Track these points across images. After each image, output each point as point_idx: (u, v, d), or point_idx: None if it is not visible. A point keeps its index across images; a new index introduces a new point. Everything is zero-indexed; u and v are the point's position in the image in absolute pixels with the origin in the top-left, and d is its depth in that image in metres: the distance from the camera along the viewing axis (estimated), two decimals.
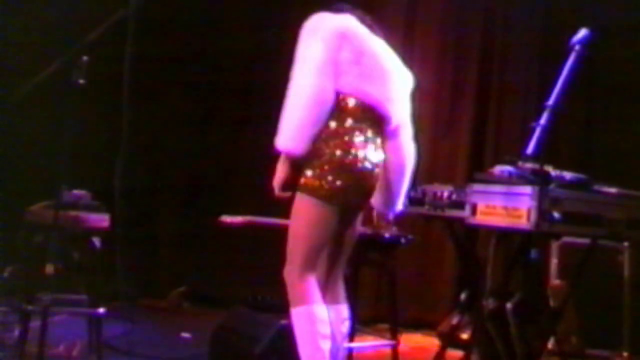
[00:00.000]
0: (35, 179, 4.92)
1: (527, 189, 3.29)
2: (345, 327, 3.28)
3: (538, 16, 5.89)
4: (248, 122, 6.45)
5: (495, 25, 6.10)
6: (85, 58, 3.29)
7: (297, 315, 3.08)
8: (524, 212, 3.28)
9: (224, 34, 6.46)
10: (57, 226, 3.41)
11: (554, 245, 5.07)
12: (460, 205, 3.65)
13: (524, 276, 3.80)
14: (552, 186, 3.38)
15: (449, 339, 4.33)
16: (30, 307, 3.74)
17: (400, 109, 3.26)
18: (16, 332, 4.01)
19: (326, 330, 3.08)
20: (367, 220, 3.53)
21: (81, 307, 4.03)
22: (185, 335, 5.00)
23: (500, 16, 6.07)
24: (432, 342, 5.12)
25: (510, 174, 3.49)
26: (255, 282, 5.71)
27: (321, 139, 3.06)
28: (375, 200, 3.23)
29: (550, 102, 3.27)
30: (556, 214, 3.29)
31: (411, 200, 3.49)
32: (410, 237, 4.15)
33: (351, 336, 3.49)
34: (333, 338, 3.14)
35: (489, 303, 3.72)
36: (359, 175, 3.10)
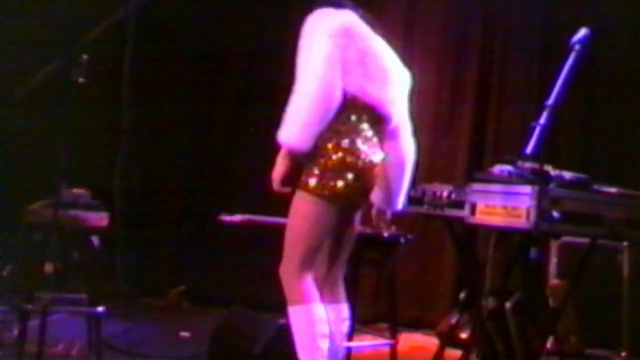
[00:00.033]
0: (34, 177, 4.91)
1: (527, 189, 3.29)
2: (346, 326, 3.27)
3: (538, 16, 5.89)
4: (248, 122, 6.44)
5: (495, 25, 6.10)
6: (85, 57, 3.29)
7: (295, 314, 3.07)
8: (523, 211, 3.27)
9: (224, 33, 6.45)
10: (57, 225, 3.41)
11: (554, 245, 5.07)
12: (459, 204, 3.64)
13: (523, 276, 3.80)
14: (551, 186, 3.38)
15: (448, 339, 4.33)
16: (29, 306, 3.73)
17: (400, 109, 3.26)
18: (15, 331, 4.01)
19: (325, 329, 3.07)
20: (366, 220, 3.53)
21: (80, 306, 4.03)
22: (185, 334, 5.00)
23: (500, 16, 6.07)
24: (431, 342, 5.12)
25: (509, 173, 3.48)
26: (255, 281, 5.71)
27: (324, 137, 3.04)
28: (376, 197, 3.22)
29: (550, 101, 3.27)
30: (556, 214, 3.28)
31: (411, 200, 3.48)
32: (409, 236, 4.15)
33: (350, 335, 3.48)
34: (333, 337, 3.13)
35: (489, 302, 3.72)
36: (361, 175, 3.09)
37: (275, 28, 6.12)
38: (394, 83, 3.23)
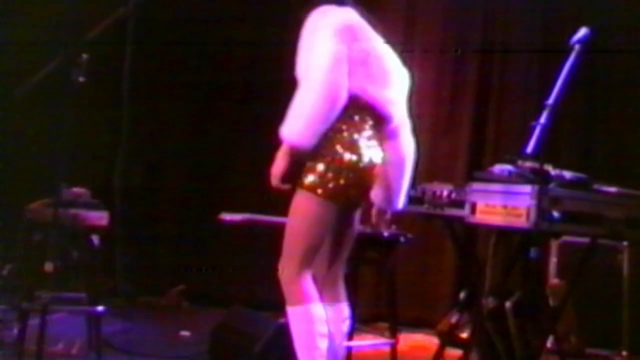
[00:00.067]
0: (34, 176, 4.92)
1: (527, 188, 3.29)
2: (346, 326, 3.27)
3: (538, 16, 5.89)
4: (247, 121, 6.44)
5: (495, 25, 6.10)
6: (85, 56, 3.29)
7: (295, 314, 3.06)
8: (523, 211, 3.27)
9: (224, 33, 6.45)
10: (56, 224, 3.41)
11: (554, 245, 5.08)
12: (459, 204, 3.64)
13: (523, 275, 3.79)
14: (551, 185, 3.38)
15: (448, 338, 4.33)
16: (29, 305, 3.74)
17: (400, 109, 3.27)
18: (15, 330, 4.01)
19: (323, 329, 3.07)
20: (366, 219, 3.53)
21: (80, 305, 4.03)
22: (184, 333, 5.00)
23: (501, 16, 6.07)
24: (431, 341, 5.12)
25: (510, 172, 3.49)
26: (255, 281, 5.71)
27: (326, 136, 3.02)
28: (376, 196, 3.22)
29: (550, 101, 3.27)
30: (556, 213, 3.28)
31: (411, 199, 3.48)
32: (409, 236, 4.15)
33: (350, 335, 3.48)
34: (333, 337, 3.13)
35: (488, 302, 3.71)
36: (361, 174, 3.09)
37: (275, 28, 6.11)
38: (395, 83, 3.23)
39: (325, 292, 3.19)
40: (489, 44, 6.07)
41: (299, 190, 3.06)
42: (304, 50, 3.07)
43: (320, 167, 3.04)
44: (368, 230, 3.90)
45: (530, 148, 3.18)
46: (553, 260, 5.10)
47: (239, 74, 6.58)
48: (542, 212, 3.23)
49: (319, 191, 3.03)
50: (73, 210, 3.88)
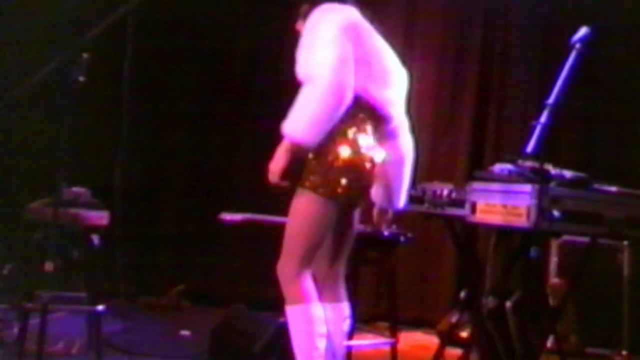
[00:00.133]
0: (34, 176, 4.93)
1: (527, 187, 3.29)
2: (346, 325, 3.27)
3: (538, 16, 5.89)
4: (247, 121, 6.44)
5: (495, 25, 6.10)
6: (85, 55, 3.29)
7: (294, 314, 3.06)
8: (523, 210, 3.27)
9: (224, 32, 6.46)
10: (57, 224, 3.41)
11: (554, 244, 5.08)
12: (460, 203, 3.64)
13: (523, 275, 3.79)
14: (552, 184, 3.38)
15: (448, 338, 4.33)
16: (29, 305, 3.74)
17: (399, 109, 3.27)
18: (15, 330, 4.02)
19: (322, 329, 3.07)
20: (367, 219, 3.53)
21: (80, 305, 4.03)
22: (185, 333, 5.00)
23: (501, 16, 6.07)
24: (431, 341, 5.12)
25: (510, 172, 3.48)
26: (255, 280, 5.71)
27: (329, 135, 3.00)
28: (377, 196, 3.22)
29: (551, 100, 3.27)
30: (556, 213, 3.28)
31: (411, 199, 3.48)
32: (409, 235, 4.15)
33: (350, 334, 3.48)
34: (333, 336, 3.13)
35: (489, 301, 3.71)
36: (363, 174, 3.09)
37: (275, 27, 6.11)
38: (394, 83, 3.24)
39: (326, 291, 3.19)
40: (489, 43, 6.07)
41: (300, 189, 3.05)
42: (306, 48, 3.06)
43: (322, 166, 3.03)
44: (368, 229, 3.90)
45: (530, 147, 3.18)
46: (553, 259, 5.11)
47: (239, 73, 6.58)
48: (543, 212, 3.23)
49: (320, 190, 3.02)
50: (73, 210, 3.88)
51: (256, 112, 6.28)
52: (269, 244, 3.42)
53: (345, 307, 3.26)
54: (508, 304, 3.66)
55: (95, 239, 3.95)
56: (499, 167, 3.56)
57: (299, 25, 3.21)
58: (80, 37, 3.32)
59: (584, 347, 4.93)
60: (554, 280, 5.05)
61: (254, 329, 4.01)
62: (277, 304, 3.25)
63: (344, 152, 3.05)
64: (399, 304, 4.56)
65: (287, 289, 3.07)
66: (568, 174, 3.52)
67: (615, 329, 4.82)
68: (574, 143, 5.64)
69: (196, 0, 6.38)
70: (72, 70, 3.28)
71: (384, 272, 4.54)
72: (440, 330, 4.90)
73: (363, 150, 3.09)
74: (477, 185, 3.58)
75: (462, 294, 4.15)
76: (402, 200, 3.29)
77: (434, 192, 3.81)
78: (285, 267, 3.08)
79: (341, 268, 3.28)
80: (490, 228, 3.80)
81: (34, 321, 3.64)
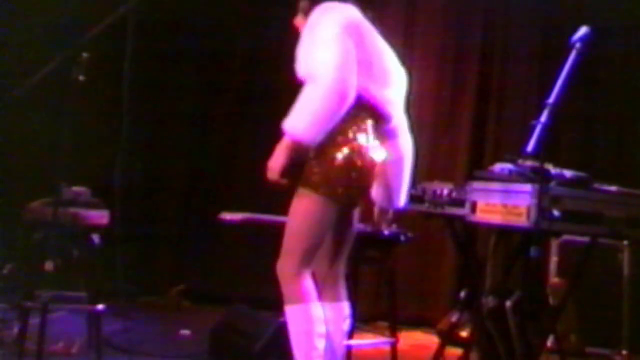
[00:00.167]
0: (34, 175, 4.93)
1: (527, 187, 3.29)
2: (346, 324, 3.27)
3: (538, 15, 5.90)
4: (247, 120, 6.44)
5: (495, 25, 6.10)
6: (85, 55, 3.30)
7: (293, 314, 3.06)
8: (523, 210, 3.27)
9: (224, 32, 6.46)
10: (57, 223, 3.41)
11: (554, 244, 5.08)
12: (460, 203, 3.64)
13: (523, 274, 3.79)
14: (552, 184, 3.38)
15: (449, 337, 4.33)
16: (29, 304, 3.73)
17: (398, 109, 3.27)
18: (15, 329, 4.01)
19: (322, 329, 3.07)
20: (368, 218, 3.53)
21: (80, 304, 4.03)
22: (185, 332, 5.00)
23: (500, 16, 6.08)
24: (431, 340, 5.12)
25: (510, 171, 3.48)
26: (255, 280, 5.71)
27: (330, 134, 3.00)
28: (377, 195, 3.22)
29: (551, 100, 3.26)
30: (556, 212, 3.28)
31: (411, 198, 3.48)
32: (409, 234, 4.15)
33: (350, 334, 3.48)
34: (333, 336, 3.13)
35: (489, 301, 3.71)
36: (363, 173, 3.09)
37: (275, 28, 6.11)
38: (394, 83, 3.24)
39: (326, 291, 3.19)
40: (489, 43, 6.07)
41: (300, 188, 3.05)
42: (306, 46, 3.05)
43: (322, 166, 3.03)
44: (368, 228, 3.90)
45: (530, 147, 3.18)
46: (553, 259, 5.11)
47: (239, 74, 6.58)
48: (543, 211, 3.23)
49: (321, 190, 3.02)
50: (73, 209, 3.88)
51: (256, 112, 6.28)
52: (269, 243, 3.42)
53: (345, 307, 3.26)
54: (508, 303, 3.65)
55: (95, 238, 3.95)
56: (499, 167, 3.56)
57: (297, 21, 3.21)
58: (80, 37, 3.32)
59: (584, 346, 4.94)
60: (554, 280, 5.05)
61: (254, 328, 4.01)
62: (277, 303, 3.25)
63: (345, 151, 3.05)
64: (399, 303, 4.56)
65: (286, 288, 3.07)
66: (568, 173, 3.52)
67: (615, 328, 4.82)
68: (574, 143, 5.64)
69: (196, 0, 6.38)
70: (72, 70, 3.28)
71: (383, 272, 4.54)
72: (440, 329, 4.91)
73: (363, 150, 3.09)
74: (477, 184, 3.58)
75: (462, 294, 4.15)
76: (402, 200, 3.29)
77: (434, 192, 3.81)
78: (285, 266, 3.08)
79: (341, 267, 3.28)
80: (490, 228, 3.80)
81: (34, 321, 3.64)
